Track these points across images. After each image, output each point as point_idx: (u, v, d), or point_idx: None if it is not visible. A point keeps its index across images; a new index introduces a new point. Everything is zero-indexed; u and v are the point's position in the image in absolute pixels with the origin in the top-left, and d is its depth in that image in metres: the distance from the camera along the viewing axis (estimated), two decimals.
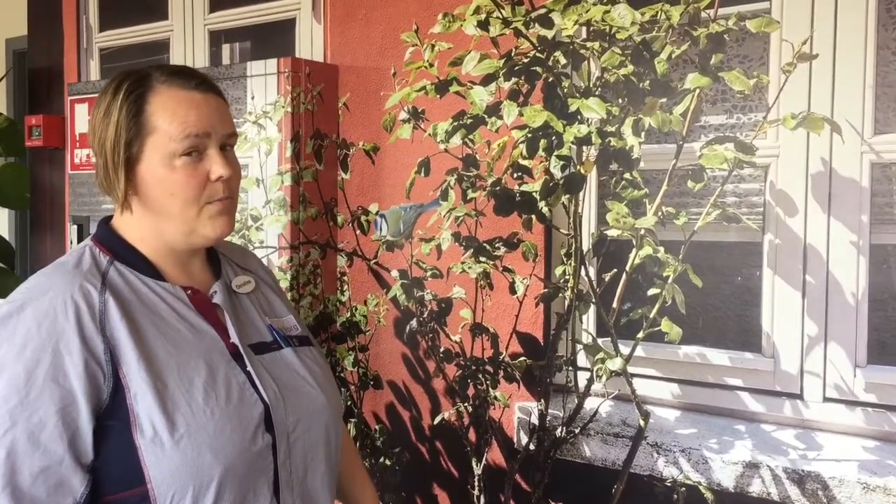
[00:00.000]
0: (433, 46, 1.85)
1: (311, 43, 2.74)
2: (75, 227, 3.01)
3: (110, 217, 1.24)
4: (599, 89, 1.74)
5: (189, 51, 3.10)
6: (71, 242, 3.07)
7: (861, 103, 1.90)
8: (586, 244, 2.07)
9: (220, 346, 1.16)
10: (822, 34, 1.92)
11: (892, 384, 1.90)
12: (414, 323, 2.17)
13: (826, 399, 1.97)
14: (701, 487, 1.87)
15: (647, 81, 1.69)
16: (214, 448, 1.07)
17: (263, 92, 2.48)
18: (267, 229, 2.45)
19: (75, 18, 3.48)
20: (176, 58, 3.13)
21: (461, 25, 1.72)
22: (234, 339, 1.18)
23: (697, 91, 1.69)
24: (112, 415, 1.06)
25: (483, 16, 1.69)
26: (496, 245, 2.02)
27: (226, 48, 3.16)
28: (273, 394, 1.16)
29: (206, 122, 1.15)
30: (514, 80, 1.70)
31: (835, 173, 1.94)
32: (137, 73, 1.17)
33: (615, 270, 1.92)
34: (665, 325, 1.83)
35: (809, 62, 1.82)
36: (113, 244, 1.19)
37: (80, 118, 2.99)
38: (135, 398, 1.06)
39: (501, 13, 1.68)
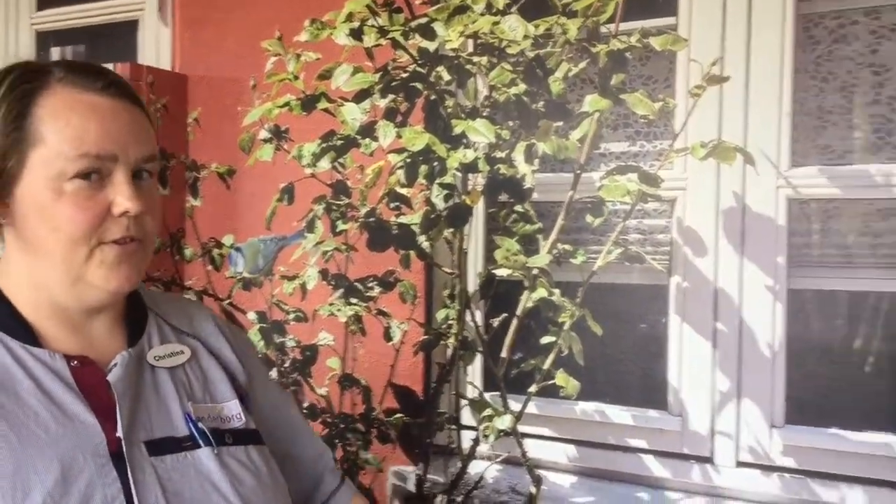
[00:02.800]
0: (299, 56, 1.81)
1: (156, 48, 2.69)
2: None
3: None
4: (488, 110, 1.72)
5: (12, 53, 3.00)
6: None
7: (777, 132, 1.91)
8: (472, 285, 2.03)
9: (95, 441, 0.92)
10: (734, 54, 1.93)
11: (813, 447, 1.90)
12: (273, 373, 2.07)
13: (739, 463, 1.97)
14: None
15: (541, 102, 1.69)
16: None
17: None
18: None
19: None
20: None
21: (331, 34, 1.68)
22: (120, 431, 0.94)
23: (597, 115, 1.69)
24: None
25: (356, 23, 1.65)
26: (369, 285, 1.97)
27: (56, 52, 3.03)
28: None
29: (110, 140, 0.94)
30: (391, 97, 1.67)
31: (748, 209, 1.94)
32: (32, 64, 0.99)
33: (505, 315, 1.88)
34: (560, 378, 1.79)
35: (720, 85, 1.80)
36: None
37: None
38: None
39: (377, 21, 1.64)
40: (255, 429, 1.09)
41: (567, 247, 1.86)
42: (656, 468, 2.01)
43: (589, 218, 1.77)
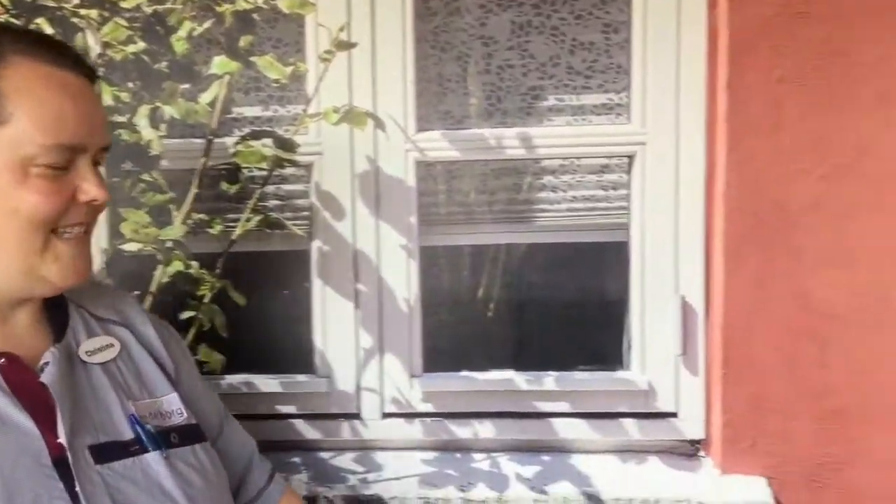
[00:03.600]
0: None
1: None
2: None
3: None
4: (103, 70, 1.61)
5: None
6: None
7: (403, 98, 1.95)
8: (97, 263, 1.87)
9: (35, 448, 0.85)
10: (360, 21, 1.92)
11: (448, 390, 1.99)
12: None
13: (385, 415, 2.01)
14: None
15: (165, 63, 1.64)
16: None
17: None
18: None
19: None
20: None
21: None
22: (63, 438, 0.86)
23: (227, 77, 1.69)
24: None
25: None
26: None
27: None
28: None
29: (85, 127, 0.89)
30: None
31: (381, 173, 1.97)
32: None
33: (137, 293, 1.77)
34: (203, 353, 1.75)
35: (348, 51, 1.82)
36: None
37: None
38: None
39: None
40: (197, 423, 1.05)
41: (203, 216, 1.80)
42: (307, 431, 2.01)
43: (224, 185, 1.74)
